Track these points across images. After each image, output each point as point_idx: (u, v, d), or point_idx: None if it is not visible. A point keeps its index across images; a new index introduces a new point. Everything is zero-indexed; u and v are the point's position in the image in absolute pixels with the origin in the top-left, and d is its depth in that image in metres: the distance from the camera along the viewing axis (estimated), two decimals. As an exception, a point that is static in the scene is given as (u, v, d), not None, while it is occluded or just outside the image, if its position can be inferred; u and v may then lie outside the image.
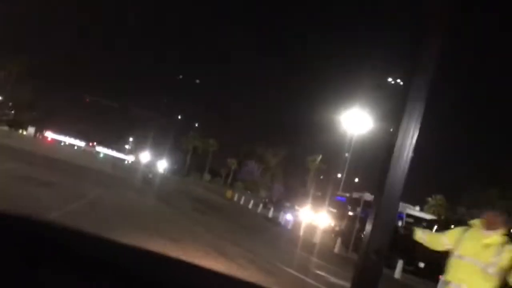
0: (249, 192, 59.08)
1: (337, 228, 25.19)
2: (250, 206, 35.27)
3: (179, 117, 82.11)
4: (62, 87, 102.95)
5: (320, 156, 62.12)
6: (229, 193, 44.85)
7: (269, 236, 20.46)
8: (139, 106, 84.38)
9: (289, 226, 25.97)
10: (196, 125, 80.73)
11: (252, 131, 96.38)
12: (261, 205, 35.34)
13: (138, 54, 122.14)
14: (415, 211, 37.72)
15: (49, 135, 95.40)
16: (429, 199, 55.74)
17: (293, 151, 72.96)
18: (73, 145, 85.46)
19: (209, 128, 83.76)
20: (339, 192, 42.19)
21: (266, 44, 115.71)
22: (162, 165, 72.10)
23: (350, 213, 25.17)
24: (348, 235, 21.48)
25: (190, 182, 58.32)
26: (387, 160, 1.37)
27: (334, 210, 33.63)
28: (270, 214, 31.71)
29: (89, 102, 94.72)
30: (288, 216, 29.04)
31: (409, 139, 1.38)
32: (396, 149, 1.36)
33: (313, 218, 30.43)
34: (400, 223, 33.14)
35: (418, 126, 1.39)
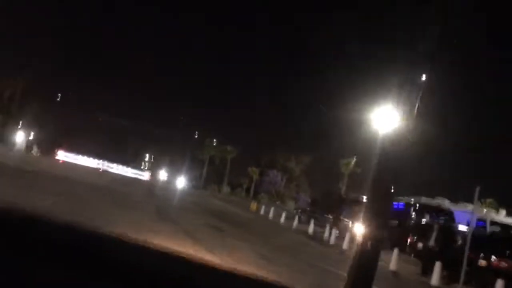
0: (278, 203, 51.69)
1: (418, 246, 17.79)
2: (282, 220, 27.96)
3: (196, 135, 76.47)
4: (73, 106, 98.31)
5: (355, 159, 54.12)
6: (253, 205, 37.62)
7: (324, 264, 13.13)
8: (155, 123, 78.49)
9: (344, 246, 18.54)
10: (215, 141, 73.89)
11: (271, 138, 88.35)
12: (296, 219, 27.92)
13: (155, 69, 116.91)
14: (502, 217, 29.80)
15: (61, 155, 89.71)
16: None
17: (318, 157, 65.19)
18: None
19: (226, 135, 76.71)
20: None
21: (287, 43, 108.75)
22: (181, 182, 66.92)
23: (431, 224, 17.87)
24: (449, 258, 13.91)
25: (207, 195, 51.51)
26: (382, 146, 1.75)
27: (392, 221, 26.22)
28: (311, 229, 24.28)
29: (103, 121, 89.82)
30: (336, 232, 21.66)
31: (406, 125, 1.68)
32: (392, 134, 1.75)
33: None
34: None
35: (414, 110, 1.78)
